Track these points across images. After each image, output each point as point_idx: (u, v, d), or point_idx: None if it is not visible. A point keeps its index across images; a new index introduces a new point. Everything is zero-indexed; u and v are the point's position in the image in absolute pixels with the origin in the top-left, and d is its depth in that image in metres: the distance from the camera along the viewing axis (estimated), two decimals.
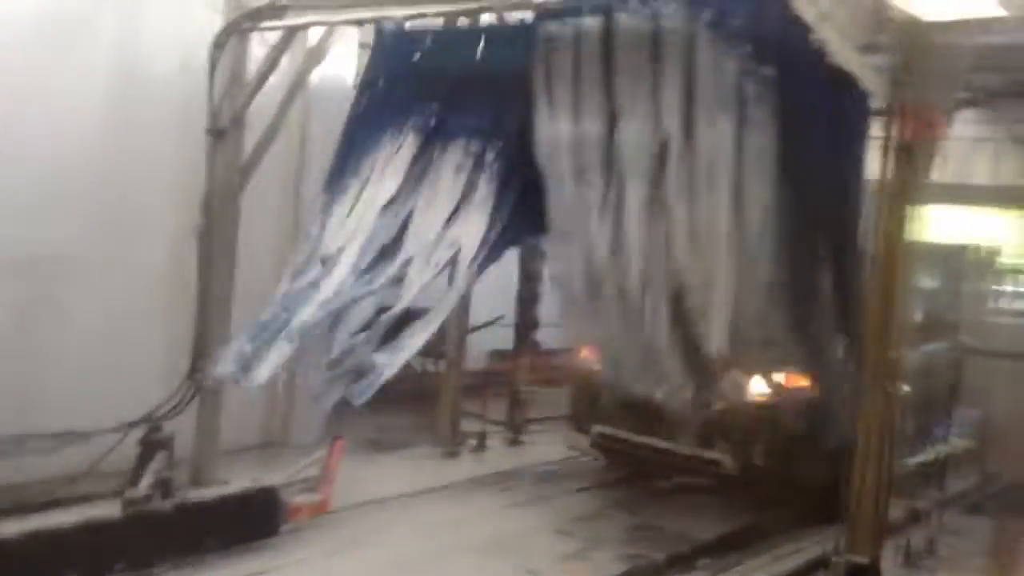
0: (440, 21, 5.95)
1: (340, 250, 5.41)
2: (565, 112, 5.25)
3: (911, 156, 4.09)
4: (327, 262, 5.40)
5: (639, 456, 6.81)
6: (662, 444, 6.54)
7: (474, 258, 5.24)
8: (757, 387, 6.15)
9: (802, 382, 5.89)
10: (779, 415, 6.18)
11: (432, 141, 5.53)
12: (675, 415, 5.88)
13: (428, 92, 5.64)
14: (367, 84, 6.23)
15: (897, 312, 4.01)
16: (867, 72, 4.16)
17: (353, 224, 5.50)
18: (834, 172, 4.88)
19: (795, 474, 6.20)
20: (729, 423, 6.18)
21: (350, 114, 6.03)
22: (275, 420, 7.39)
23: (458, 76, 5.59)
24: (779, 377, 6.03)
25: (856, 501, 4.19)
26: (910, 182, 4.13)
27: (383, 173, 5.58)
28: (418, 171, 5.51)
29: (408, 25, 5.75)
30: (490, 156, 5.40)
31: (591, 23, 5.15)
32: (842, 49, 4.16)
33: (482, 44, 5.52)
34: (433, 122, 5.57)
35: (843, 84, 4.10)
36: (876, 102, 4.17)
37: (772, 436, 6.24)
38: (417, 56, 5.74)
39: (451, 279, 5.26)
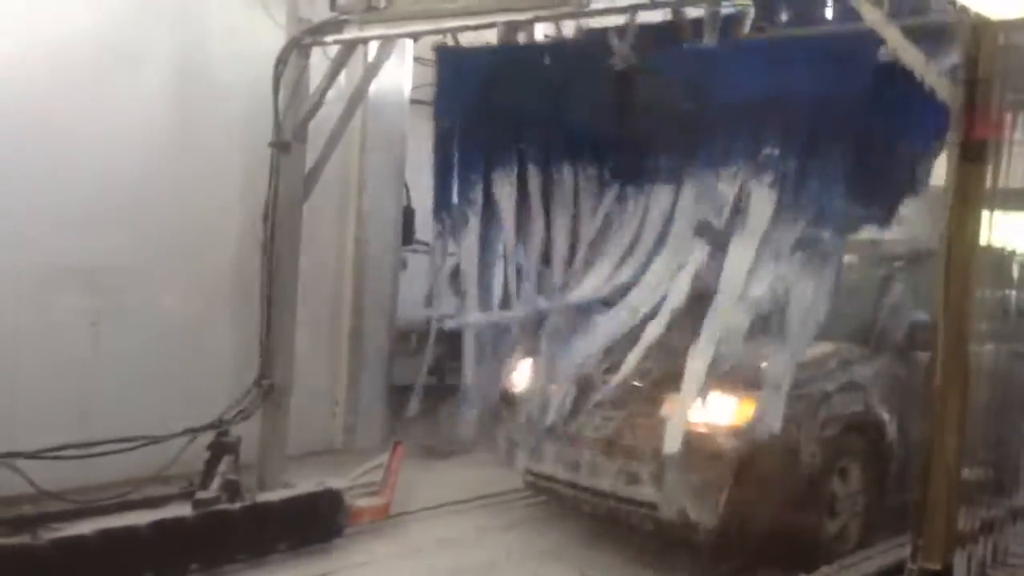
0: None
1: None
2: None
3: (977, 157, 4.05)
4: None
5: (568, 496, 5.86)
6: (586, 481, 5.60)
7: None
8: (715, 411, 5.21)
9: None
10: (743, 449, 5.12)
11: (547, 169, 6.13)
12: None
13: (518, 114, 6.06)
14: (447, 105, 6.53)
15: (969, 316, 3.97)
16: (932, 72, 4.14)
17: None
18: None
19: (755, 525, 5.19)
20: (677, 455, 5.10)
21: (437, 136, 6.46)
22: (336, 425, 7.51)
23: (541, 95, 5.98)
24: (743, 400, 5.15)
25: (927, 508, 4.15)
26: (977, 184, 4.09)
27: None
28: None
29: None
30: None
31: None
32: (907, 50, 4.16)
33: (549, 59, 5.72)
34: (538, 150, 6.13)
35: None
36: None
37: (734, 477, 5.13)
38: (486, 72, 6.13)
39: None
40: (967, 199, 4.02)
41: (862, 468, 5.65)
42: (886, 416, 5.68)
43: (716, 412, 5.21)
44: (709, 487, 5.13)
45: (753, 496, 5.15)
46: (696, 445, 5.10)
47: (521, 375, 6.19)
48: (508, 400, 6.20)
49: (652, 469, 5.27)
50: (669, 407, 5.26)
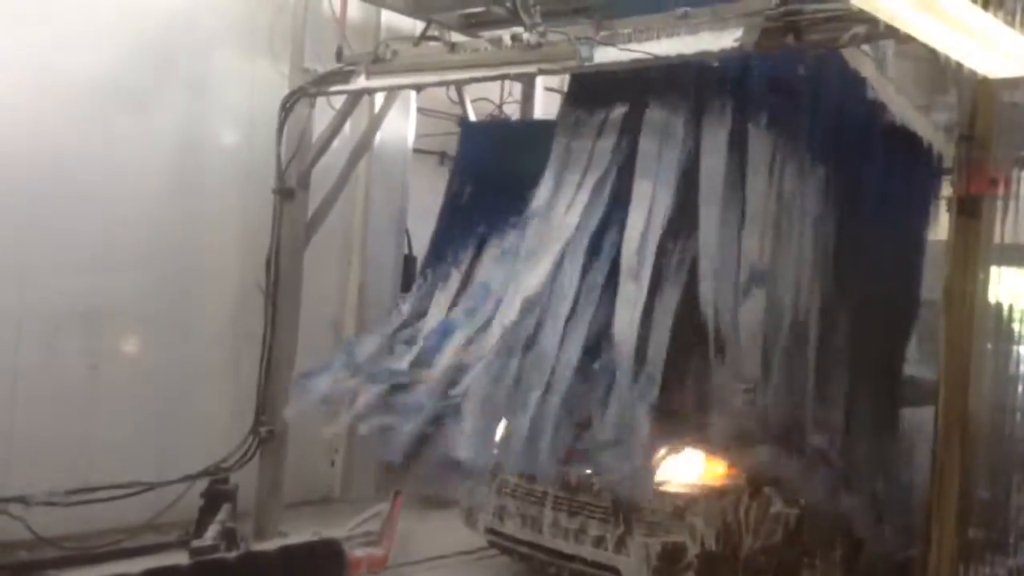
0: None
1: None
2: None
3: (974, 212, 4.10)
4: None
5: (531, 557, 5.50)
6: (548, 542, 5.24)
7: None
8: (682, 469, 4.94)
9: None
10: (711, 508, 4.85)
11: None
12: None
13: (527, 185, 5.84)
14: (461, 174, 6.56)
15: (970, 371, 3.98)
16: (928, 129, 4.21)
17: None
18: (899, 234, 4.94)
19: None
20: (639, 516, 4.90)
21: (446, 200, 6.47)
22: (333, 474, 7.46)
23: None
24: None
25: (929, 566, 4.12)
26: (974, 239, 4.13)
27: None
28: None
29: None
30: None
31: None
32: (903, 107, 4.24)
33: None
34: None
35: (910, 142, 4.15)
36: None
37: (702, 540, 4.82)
38: (505, 148, 6.16)
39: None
40: (965, 254, 4.05)
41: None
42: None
43: (682, 470, 4.92)
44: (676, 551, 4.82)
45: (725, 561, 4.83)
46: (662, 505, 4.84)
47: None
48: None
49: (616, 531, 4.97)
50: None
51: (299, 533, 5.81)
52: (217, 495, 5.54)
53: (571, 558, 5.20)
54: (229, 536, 5.31)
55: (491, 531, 5.68)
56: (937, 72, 4.17)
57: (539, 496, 5.32)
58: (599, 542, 5.02)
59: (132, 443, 6.08)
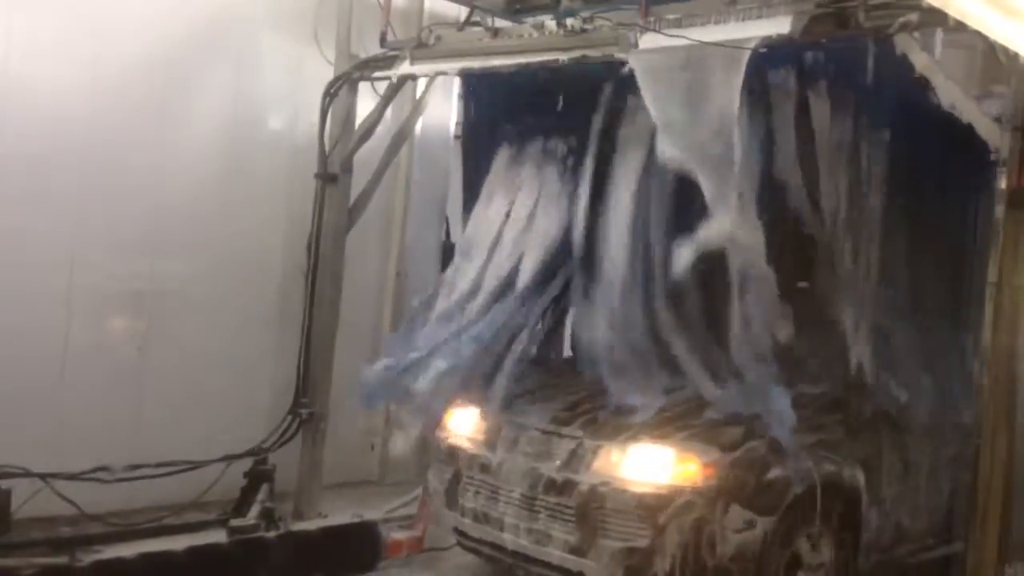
0: None
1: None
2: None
3: None
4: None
5: (497, 559, 5.15)
6: (511, 544, 4.88)
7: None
8: (653, 467, 4.61)
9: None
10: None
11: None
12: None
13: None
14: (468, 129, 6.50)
15: (1017, 364, 3.92)
16: (981, 120, 4.14)
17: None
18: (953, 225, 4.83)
19: None
20: (605, 518, 4.56)
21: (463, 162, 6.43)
22: (371, 457, 7.52)
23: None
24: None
25: (971, 562, 4.08)
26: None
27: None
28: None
29: None
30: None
31: None
32: (955, 97, 4.16)
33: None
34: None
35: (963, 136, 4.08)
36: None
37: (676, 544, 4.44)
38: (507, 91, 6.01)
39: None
40: (1015, 247, 3.99)
41: (832, 532, 4.89)
42: (860, 475, 4.96)
43: (654, 468, 4.58)
44: (644, 556, 4.46)
45: (700, 567, 4.46)
46: (631, 506, 4.51)
47: (460, 423, 5.49)
48: (441, 450, 5.49)
49: (583, 533, 4.61)
50: (601, 461, 4.70)
51: (339, 514, 5.89)
52: (258, 475, 5.61)
53: (536, 562, 4.86)
54: (268, 515, 5.38)
55: (457, 531, 5.35)
56: (990, 62, 4.09)
57: (502, 495, 4.97)
58: (566, 545, 4.68)
59: (177, 423, 6.18)
